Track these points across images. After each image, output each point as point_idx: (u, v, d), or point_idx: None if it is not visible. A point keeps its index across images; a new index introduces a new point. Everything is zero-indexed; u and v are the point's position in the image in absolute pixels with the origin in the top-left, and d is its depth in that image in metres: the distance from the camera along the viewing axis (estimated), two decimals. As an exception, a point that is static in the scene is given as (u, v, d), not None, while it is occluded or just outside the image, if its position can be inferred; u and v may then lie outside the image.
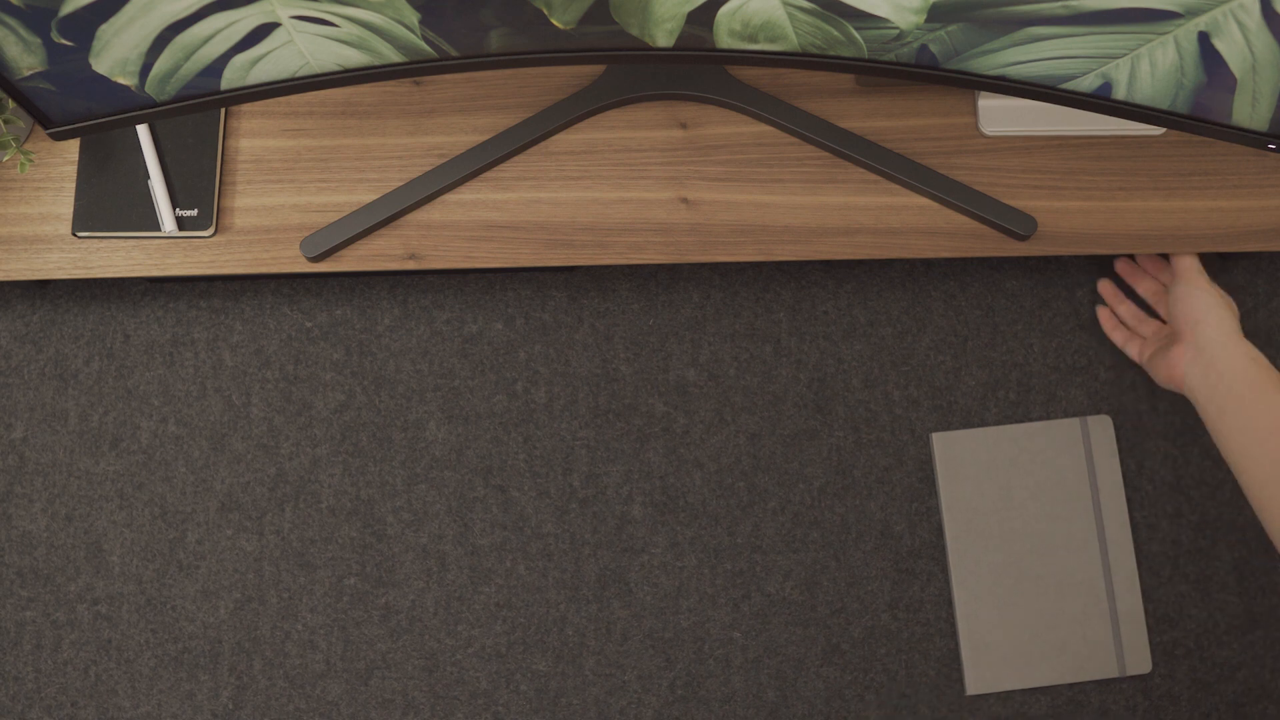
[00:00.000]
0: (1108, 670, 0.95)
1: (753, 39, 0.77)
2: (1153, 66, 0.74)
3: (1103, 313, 1.01)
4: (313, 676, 0.96)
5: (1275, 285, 1.02)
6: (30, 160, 0.92)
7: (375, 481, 0.99)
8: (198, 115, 0.94)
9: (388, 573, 0.98)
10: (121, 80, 0.76)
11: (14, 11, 0.68)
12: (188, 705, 0.96)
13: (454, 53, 0.78)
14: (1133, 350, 0.98)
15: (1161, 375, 0.92)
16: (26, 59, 0.72)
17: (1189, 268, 0.93)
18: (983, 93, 0.94)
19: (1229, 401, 0.86)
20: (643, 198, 0.94)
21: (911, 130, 0.95)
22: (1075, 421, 0.99)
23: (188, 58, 0.75)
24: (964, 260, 1.03)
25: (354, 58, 0.78)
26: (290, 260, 0.93)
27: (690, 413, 1.00)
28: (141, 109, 0.79)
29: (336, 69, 0.79)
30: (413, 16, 0.74)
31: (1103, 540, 0.97)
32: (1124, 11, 0.69)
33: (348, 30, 0.74)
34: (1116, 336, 1.00)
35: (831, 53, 0.78)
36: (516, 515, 0.99)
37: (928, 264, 1.03)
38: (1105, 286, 1.02)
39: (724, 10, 0.74)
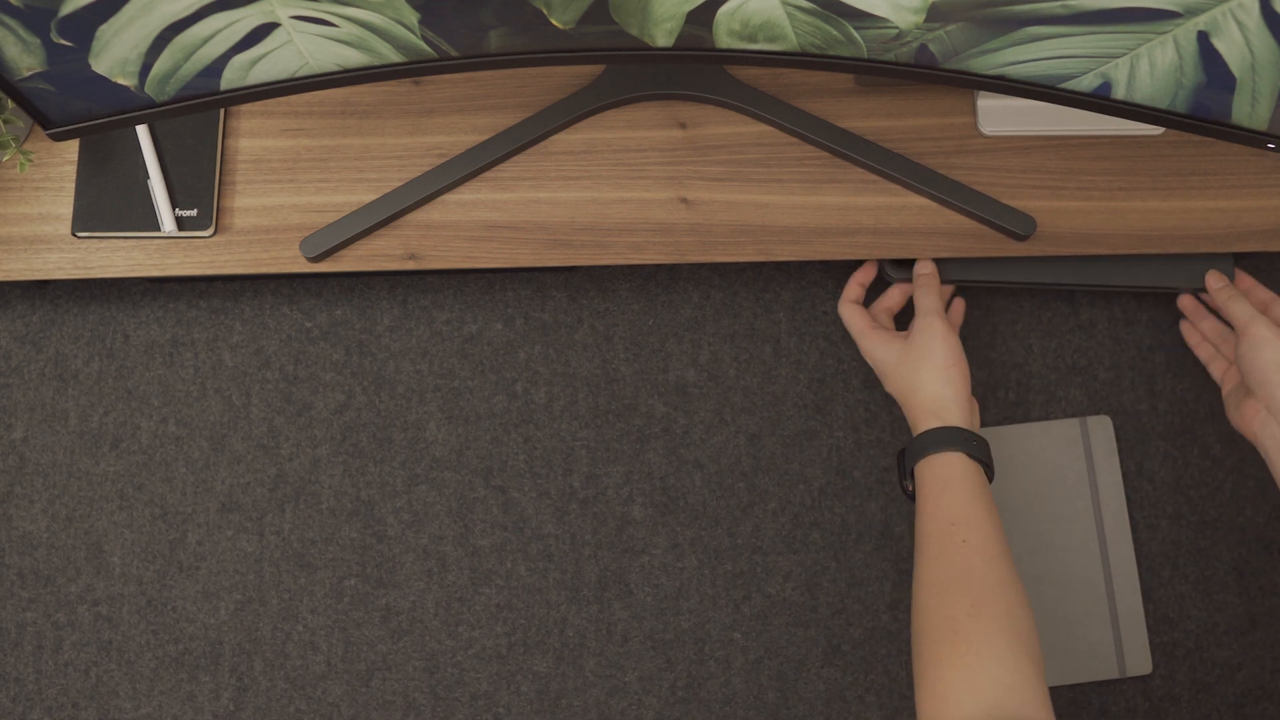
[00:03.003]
0: (1108, 671, 0.95)
1: (752, 39, 0.77)
2: (1152, 66, 0.74)
3: (1185, 327, 0.99)
4: (313, 678, 0.96)
5: (1275, 285, 1.02)
6: (30, 160, 0.92)
7: (375, 482, 0.99)
8: (197, 115, 0.94)
9: (388, 574, 0.98)
10: (121, 80, 0.76)
11: (14, 12, 0.68)
12: (188, 706, 0.96)
13: (453, 53, 0.78)
14: (1215, 370, 0.95)
15: (1234, 420, 0.90)
16: (26, 59, 0.72)
17: (1250, 320, 0.87)
18: (982, 93, 0.94)
19: None
20: (642, 198, 0.94)
21: (911, 130, 0.95)
22: (1075, 421, 0.99)
23: (187, 58, 0.75)
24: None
25: (353, 58, 0.78)
26: (290, 260, 0.93)
27: (690, 413, 1.00)
28: (141, 109, 0.79)
29: (336, 69, 0.79)
30: (412, 16, 0.74)
31: (1103, 540, 0.97)
32: (1123, 11, 0.69)
33: (347, 30, 0.74)
34: (1201, 353, 0.97)
35: (831, 52, 0.78)
36: (517, 516, 0.99)
37: (928, 264, 1.03)
38: (1185, 301, 0.98)
39: (723, 10, 0.74)
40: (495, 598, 0.97)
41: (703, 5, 0.73)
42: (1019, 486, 0.98)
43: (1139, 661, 0.95)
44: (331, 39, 0.75)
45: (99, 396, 1.00)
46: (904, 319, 0.99)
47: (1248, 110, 0.75)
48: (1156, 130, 0.95)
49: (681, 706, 0.96)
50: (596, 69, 0.95)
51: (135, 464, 0.99)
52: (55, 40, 0.71)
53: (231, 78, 0.78)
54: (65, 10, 0.68)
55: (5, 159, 0.92)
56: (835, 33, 0.75)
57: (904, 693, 0.96)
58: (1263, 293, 0.94)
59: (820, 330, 1.02)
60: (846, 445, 1.00)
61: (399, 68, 0.80)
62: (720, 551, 0.98)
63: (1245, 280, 0.95)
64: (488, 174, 0.94)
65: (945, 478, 0.83)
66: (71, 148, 0.94)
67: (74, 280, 1.03)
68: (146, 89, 0.77)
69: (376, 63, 0.79)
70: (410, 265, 0.93)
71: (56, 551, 0.98)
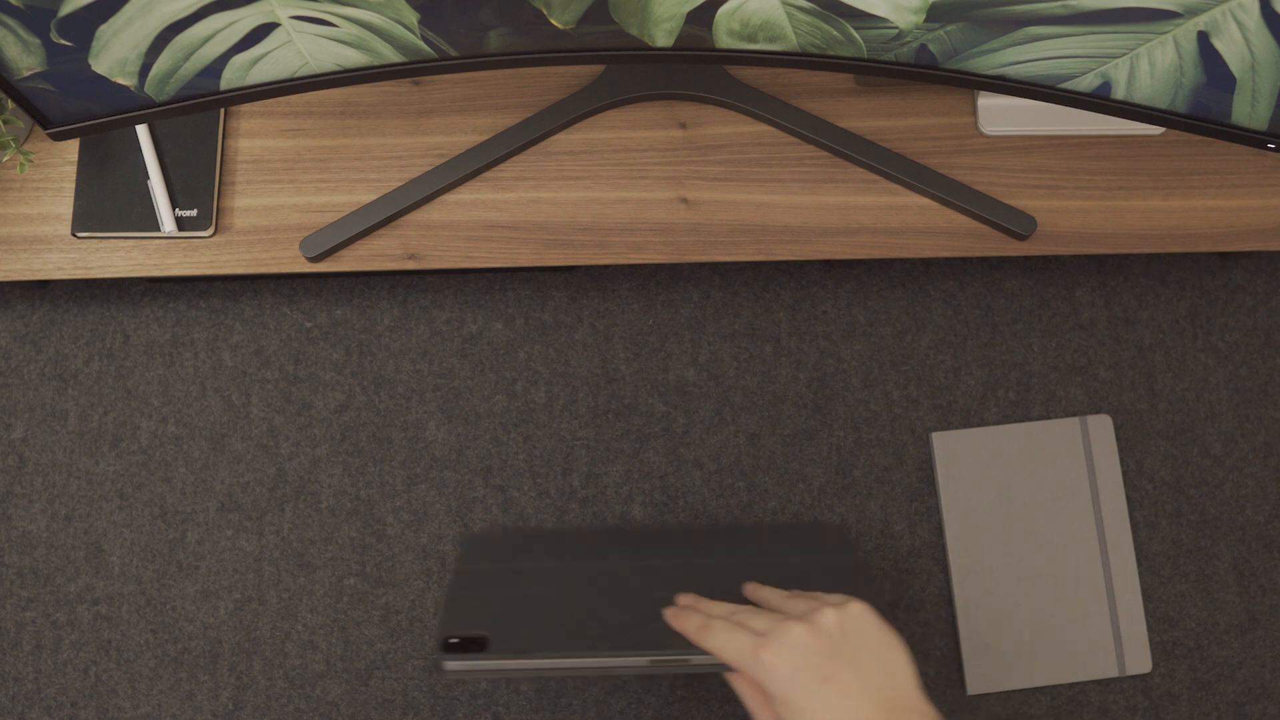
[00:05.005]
0: (1108, 670, 0.95)
1: (752, 39, 0.77)
2: (1152, 66, 0.74)
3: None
4: (313, 677, 0.96)
5: (1275, 285, 1.02)
6: (30, 160, 0.92)
7: (375, 481, 0.99)
8: (197, 115, 0.94)
9: (388, 573, 0.98)
10: (121, 80, 0.76)
11: (13, 12, 0.68)
12: (188, 706, 0.96)
13: (453, 53, 0.78)
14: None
15: None
16: (26, 59, 0.72)
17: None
18: (982, 92, 0.94)
19: None
20: (642, 198, 0.94)
21: (911, 130, 0.95)
22: (1075, 421, 0.99)
23: (187, 58, 0.75)
24: (963, 260, 1.03)
25: (353, 58, 0.78)
26: (290, 260, 0.93)
27: (690, 413, 1.00)
28: (141, 109, 0.79)
29: (336, 69, 0.79)
30: (412, 16, 0.74)
31: (1103, 540, 0.97)
32: (1123, 11, 0.69)
33: (347, 30, 0.74)
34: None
35: (831, 52, 0.78)
36: (516, 515, 0.99)
37: (927, 264, 1.03)
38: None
39: (723, 10, 0.74)
40: (495, 597, 0.97)
41: (702, 5, 0.73)
42: (1019, 486, 0.98)
43: (1139, 660, 0.96)
44: (331, 39, 0.75)
45: (99, 396, 1.00)
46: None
47: (1248, 110, 0.75)
48: (1156, 130, 0.95)
49: (681, 705, 0.96)
50: (596, 69, 0.95)
51: (135, 464, 0.99)
52: (55, 40, 0.71)
53: (231, 78, 0.78)
54: (65, 10, 0.68)
55: (5, 159, 0.92)
56: (835, 33, 0.75)
57: (904, 692, 0.96)
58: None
59: (820, 330, 1.02)
60: (846, 445, 1.00)
61: (399, 68, 0.80)
62: (720, 551, 0.98)
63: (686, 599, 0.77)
64: (488, 174, 0.94)
65: None
66: (71, 148, 0.94)
67: (74, 280, 1.03)
68: (146, 89, 0.77)
69: (376, 63, 0.79)
70: (410, 265, 0.93)
71: (56, 551, 0.98)
